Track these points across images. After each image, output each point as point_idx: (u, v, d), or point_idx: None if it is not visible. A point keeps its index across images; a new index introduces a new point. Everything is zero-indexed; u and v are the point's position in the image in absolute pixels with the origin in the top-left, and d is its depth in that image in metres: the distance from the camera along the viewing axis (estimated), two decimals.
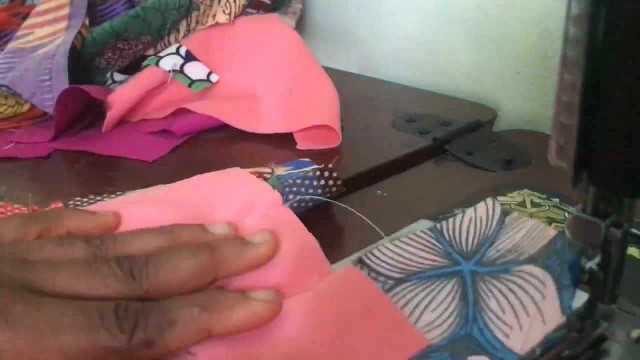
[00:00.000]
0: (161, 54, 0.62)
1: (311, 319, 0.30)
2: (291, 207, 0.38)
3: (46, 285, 0.27)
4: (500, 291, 0.32)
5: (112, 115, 0.57)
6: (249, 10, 0.68)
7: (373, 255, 0.35)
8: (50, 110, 0.57)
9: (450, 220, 0.37)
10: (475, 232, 0.36)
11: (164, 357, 0.27)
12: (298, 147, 0.53)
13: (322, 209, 0.42)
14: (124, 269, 0.29)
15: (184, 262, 0.30)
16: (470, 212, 0.37)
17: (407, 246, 0.36)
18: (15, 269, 0.27)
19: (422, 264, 0.35)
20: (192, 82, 0.61)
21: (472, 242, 0.36)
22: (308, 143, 0.53)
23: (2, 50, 0.66)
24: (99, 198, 0.42)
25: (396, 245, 0.36)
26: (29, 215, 0.35)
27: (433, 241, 0.36)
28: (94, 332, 0.25)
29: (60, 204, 0.40)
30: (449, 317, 0.32)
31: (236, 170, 0.40)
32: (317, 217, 0.43)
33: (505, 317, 0.31)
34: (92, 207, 0.37)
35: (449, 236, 0.36)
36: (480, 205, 0.37)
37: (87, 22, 0.65)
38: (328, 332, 0.30)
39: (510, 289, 0.32)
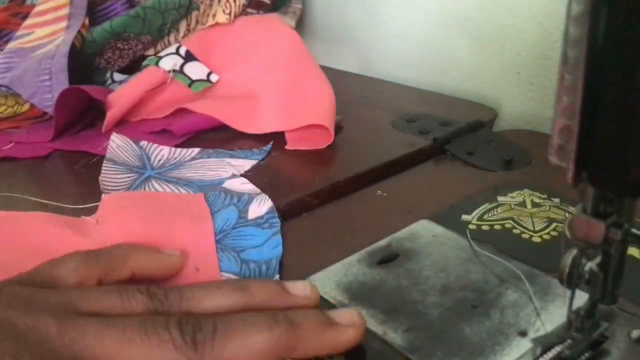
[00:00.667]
0: (161, 54, 0.62)
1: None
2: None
3: (93, 352, 0.24)
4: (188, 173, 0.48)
5: (112, 115, 0.57)
6: (248, 10, 0.68)
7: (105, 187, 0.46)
8: (49, 110, 0.57)
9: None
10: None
11: None
12: (287, 147, 0.53)
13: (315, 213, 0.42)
14: (187, 335, 0.25)
15: (257, 335, 0.26)
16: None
17: (108, 173, 0.48)
18: (62, 325, 0.24)
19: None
20: (192, 82, 0.61)
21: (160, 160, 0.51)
22: (298, 143, 0.53)
23: (2, 50, 0.66)
24: None
25: (105, 171, 0.48)
26: (92, 253, 0.31)
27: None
28: None
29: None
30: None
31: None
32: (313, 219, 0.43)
33: (204, 176, 0.47)
34: None
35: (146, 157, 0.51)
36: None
37: (86, 22, 0.65)
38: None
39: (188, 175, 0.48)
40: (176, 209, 0.40)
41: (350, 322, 0.28)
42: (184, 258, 0.34)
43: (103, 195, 0.42)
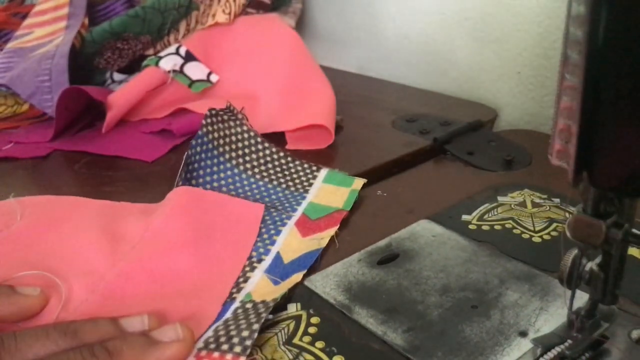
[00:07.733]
0: (161, 54, 0.62)
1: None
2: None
3: None
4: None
5: (112, 116, 0.57)
6: (248, 9, 0.68)
7: None
8: (49, 111, 0.57)
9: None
10: None
11: None
12: (287, 147, 0.53)
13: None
14: None
15: None
16: None
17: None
18: None
19: None
20: (192, 82, 0.61)
21: None
22: (298, 143, 0.53)
23: (2, 49, 0.66)
24: None
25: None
26: None
27: None
28: None
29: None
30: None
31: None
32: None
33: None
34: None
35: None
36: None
37: (86, 21, 0.65)
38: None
39: None
40: (228, 219, 0.39)
41: (174, 337, 0.29)
42: (43, 298, 0.32)
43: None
